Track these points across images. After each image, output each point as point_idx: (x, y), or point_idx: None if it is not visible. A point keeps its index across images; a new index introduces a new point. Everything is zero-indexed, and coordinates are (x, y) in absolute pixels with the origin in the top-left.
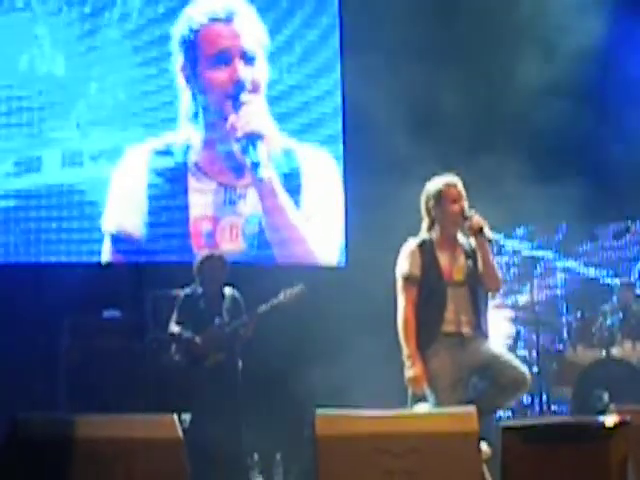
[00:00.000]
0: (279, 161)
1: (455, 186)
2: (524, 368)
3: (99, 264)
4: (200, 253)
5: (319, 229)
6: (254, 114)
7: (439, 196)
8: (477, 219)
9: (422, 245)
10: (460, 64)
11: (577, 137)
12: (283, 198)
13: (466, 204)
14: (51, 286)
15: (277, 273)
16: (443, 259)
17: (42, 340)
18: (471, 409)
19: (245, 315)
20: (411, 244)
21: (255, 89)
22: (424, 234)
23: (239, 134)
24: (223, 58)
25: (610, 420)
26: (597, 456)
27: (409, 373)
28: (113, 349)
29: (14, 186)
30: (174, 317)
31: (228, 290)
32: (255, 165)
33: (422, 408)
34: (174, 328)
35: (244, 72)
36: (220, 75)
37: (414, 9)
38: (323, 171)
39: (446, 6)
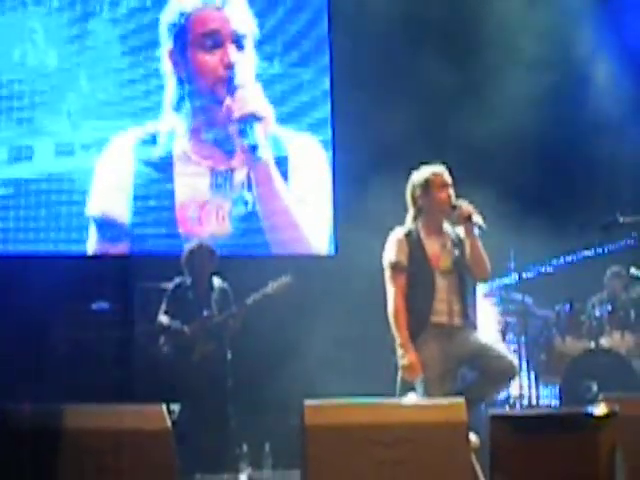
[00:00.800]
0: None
1: (442, 175)
2: (513, 358)
3: (88, 256)
4: (189, 244)
5: (309, 217)
6: (251, 96)
7: (426, 184)
8: (466, 206)
9: (409, 234)
10: (451, 47)
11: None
12: (278, 182)
13: (452, 192)
14: (40, 277)
15: (265, 263)
16: (430, 247)
17: (30, 330)
18: (460, 399)
19: (234, 306)
20: (398, 233)
21: (248, 73)
22: (410, 224)
23: (236, 115)
24: (214, 41)
25: (599, 410)
26: (586, 446)
27: (403, 361)
28: (102, 340)
29: (6, 175)
30: (163, 308)
31: (217, 281)
32: (253, 148)
33: (411, 398)
34: (163, 319)
35: (235, 56)
36: (211, 59)
37: None
38: (311, 158)
39: None
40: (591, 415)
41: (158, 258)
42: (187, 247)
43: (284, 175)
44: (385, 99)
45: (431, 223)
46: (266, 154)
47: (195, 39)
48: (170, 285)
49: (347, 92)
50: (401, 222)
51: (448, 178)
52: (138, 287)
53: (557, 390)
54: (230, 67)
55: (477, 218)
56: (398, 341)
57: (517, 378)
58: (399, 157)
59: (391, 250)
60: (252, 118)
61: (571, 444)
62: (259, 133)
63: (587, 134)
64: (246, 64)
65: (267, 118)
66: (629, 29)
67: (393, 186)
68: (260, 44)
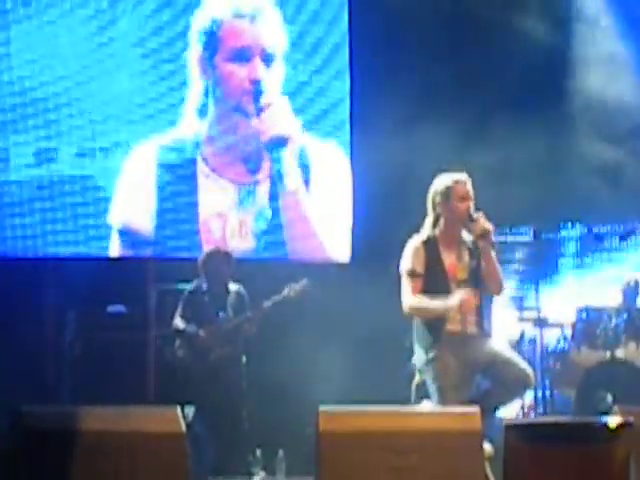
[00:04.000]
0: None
1: (464, 184)
2: (527, 367)
3: (105, 258)
4: (205, 248)
5: (329, 225)
6: (280, 116)
7: (447, 193)
8: (483, 222)
9: (426, 242)
10: (468, 54)
11: None
12: (307, 207)
13: (472, 204)
14: (57, 279)
15: (281, 269)
16: (447, 257)
17: (47, 333)
18: (474, 408)
19: (249, 311)
20: (415, 241)
21: (275, 90)
22: (428, 230)
23: (264, 138)
24: (244, 54)
25: (613, 421)
26: (600, 457)
27: (454, 301)
28: (117, 343)
29: (28, 177)
30: (178, 312)
31: (233, 285)
32: (279, 176)
33: (425, 406)
34: (178, 323)
35: (263, 72)
36: (239, 70)
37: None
38: (334, 166)
39: None
40: (605, 426)
41: (175, 261)
42: (204, 252)
43: (306, 183)
44: (405, 102)
45: (449, 232)
46: (295, 183)
47: (225, 49)
48: (186, 288)
49: (366, 96)
50: (418, 229)
51: (469, 188)
52: (154, 290)
53: (572, 400)
54: (256, 82)
55: (492, 237)
56: (438, 308)
57: (532, 387)
58: (419, 164)
59: (408, 258)
60: (280, 141)
61: (585, 454)
62: (287, 158)
63: None
64: (274, 80)
65: (293, 136)
66: None
67: (412, 193)
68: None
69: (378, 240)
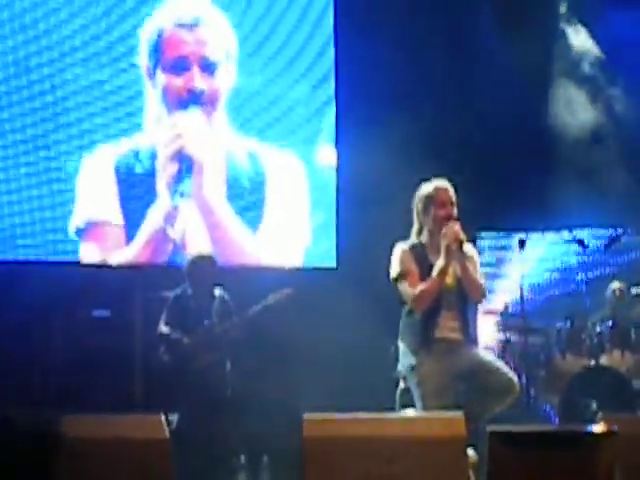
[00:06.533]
0: (243, 164)
1: (445, 190)
2: (512, 375)
3: (90, 263)
4: (190, 254)
5: (283, 231)
6: (191, 132)
7: (427, 200)
8: (455, 230)
9: (414, 248)
10: (459, 53)
11: None
12: (220, 214)
13: (454, 210)
14: (41, 283)
15: (267, 274)
16: (435, 263)
17: (32, 338)
18: (459, 414)
19: (234, 316)
20: (402, 246)
21: (210, 101)
22: (414, 238)
23: (168, 152)
24: (181, 65)
25: (598, 428)
26: (584, 464)
27: (441, 261)
28: (102, 348)
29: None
30: (163, 317)
31: (218, 291)
32: (181, 194)
33: (410, 412)
34: (163, 328)
35: (199, 82)
36: (176, 81)
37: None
38: (288, 173)
39: None
40: (590, 433)
41: (161, 267)
42: (189, 257)
43: (261, 190)
44: (389, 109)
45: (434, 238)
46: (203, 197)
47: (165, 60)
48: (171, 294)
49: (351, 102)
50: (405, 236)
51: (451, 194)
52: (139, 295)
53: (556, 407)
54: (192, 92)
55: (466, 247)
56: (435, 279)
57: (516, 394)
58: (403, 169)
59: (397, 262)
60: (188, 161)
61: (569, 462)
62: (196, 180)
63: None
64: (215, 89)
65: (202, 162)
66: None
67: (396, 199)
68: (250, 57)
69: (364, 246)
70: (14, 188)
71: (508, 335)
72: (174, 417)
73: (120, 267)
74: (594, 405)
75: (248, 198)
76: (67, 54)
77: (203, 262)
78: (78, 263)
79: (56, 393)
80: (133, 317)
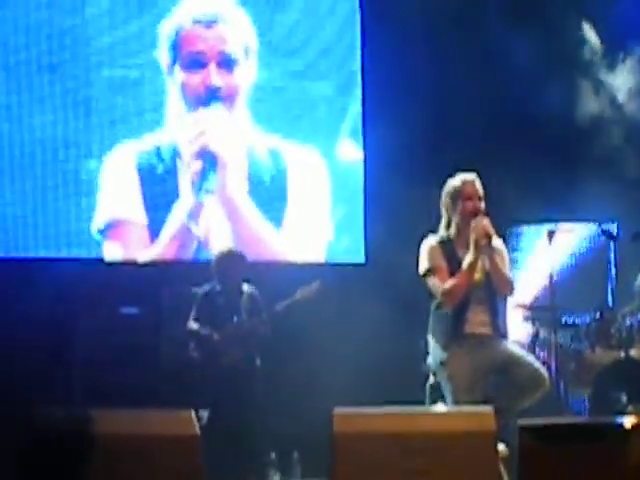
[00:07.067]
0: (265, 160)
1: (472, 183)
2: (542, 368)
3: (116, 261)
4: (218, 250)
5: (306, 227)
6: (214, 129)
7: (455, 193)
8: (484, 224)
9: (442, 242)
10: (482, 62)
11: None
12: (244, 211)
13: (482, 204)
14: (70, 280)
15: (295, 270)
16: (463, 257)
17: (60, 334)
18: (489, 408)
19: (263, 312)
20: (430, 241)
21: (229, 97)
22: (442, 232)
23: (192, 149)
24: (198, 61)
25: (628, 421)
26: (614, 457)
27: (469, 256)
28: (131, 345)
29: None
30: (193, 314)
31: (246, 287)
32: (206, 191)
33: (440, 407)
34: (192, 325)
35: (216, 78)
36: (194, 78)
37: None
38: (310, 169)
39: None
40: (620, 426)
41: (189, 263)
42: (217, 253)
43: (282, 187)
44: (416, 104)
45: (462, 232)
46: (227, 194)
47: (182, 57)
48: (200, 290)
49: (377, 97)
50: (433, 230)
51: (478, 187)
52: (168, 292)
53: (586, 400)
54: (210, 89)
55: (494, 241)
56: (464, 274)
57: (546, 388)
58: (430, 165)
59: (425, 257)
60: (209, 156)
61: (600, 455)
62: (220, 177)
63: None
64: (234, 86)
65: (226, 158)
66: None
67: (424, 194)
68: (273, 53)
69: (393, 241)
70: (39, 185)
71: (537, 328)
72: (204, 413)
73: (145, 264)
74: (624, 398)
75: (270, 194)
76: (92, 53)
77: (231, 258)
78: (102, 261)
79: (84, 391)
80: (161, 314)
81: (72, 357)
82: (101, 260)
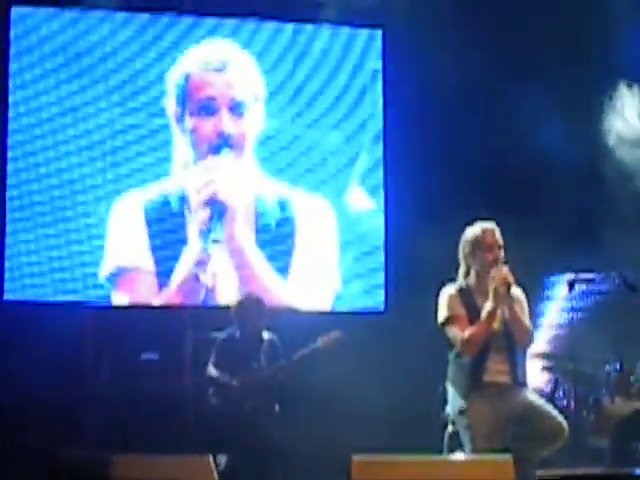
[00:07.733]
0: (272, 209)
1: (492, 232)
2: (561, 418)
3: (140, 306)
4: (238, 295)
5: (313, 276)
6: (223, 177)
7: (475, 242)
8: (504, 273)
9: (461, 291)
10: (499, 113)
11: None
12: (251, 258)
13: (501, 252)
14: (90, 326)
15: (315, 318)
16: (482, 307)
17: (80, 379)
18: (507, 457)
19: (283, 359)
20: (449, 289)
21: (239, 144)
22: (461, 280)
23: (201, 198)
24: (209, 107)
25: None
26: None
27: (488, 305)
28: (150, 391)
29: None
30: (212, 360)
31: (266, 334)
32: (214, 240)
33: (458, 456)
34: (212, 371)
35: (228, 124)
36: (205, 125)
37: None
38: (318, 218)
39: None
40: (638, 477)
41: (211, 309)
42: (237, 299)
43: (290, 236)
44: (437, 150)
45: (481, 281)
46: (235, 243)
47: (192, 103)
48: (219, 336)
49: (396, 142)
50: (451, 278)
51: (498, 236)
52: (188, 337)
53: (605, 451)
54: (221, 135)
55: (504, 289)
56: (483, 322)
57: (565, 438)
58: (450, 213)
59: (445, 305)
60: (217, 205)
61: None
62: (227, 226)
63: None
64: (243, 132)
65: (235, 207)
66: None
67: (444, 243)
68: (283, 103)
69: (412, 289)
70: (52, 234)
71: (557, 378)
72: (222, 458)
73: (166, 308)
74: None
75: (277, 243)
76: (101, 97)
77: (250, 303)
78: (125, 306)
79: (105, 436)
80: (183, 359)
81: (93, 402)
82: (122, 306)
